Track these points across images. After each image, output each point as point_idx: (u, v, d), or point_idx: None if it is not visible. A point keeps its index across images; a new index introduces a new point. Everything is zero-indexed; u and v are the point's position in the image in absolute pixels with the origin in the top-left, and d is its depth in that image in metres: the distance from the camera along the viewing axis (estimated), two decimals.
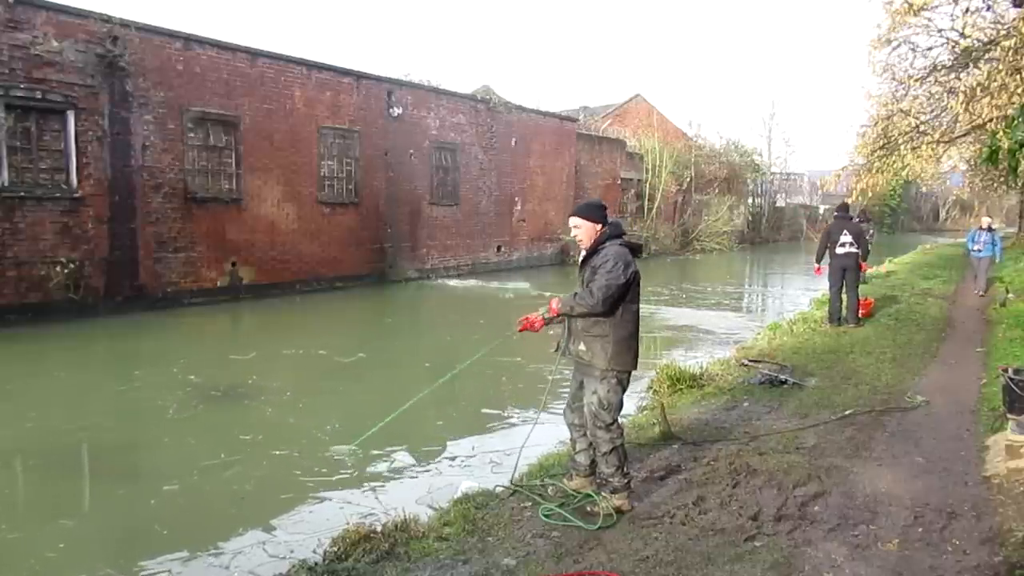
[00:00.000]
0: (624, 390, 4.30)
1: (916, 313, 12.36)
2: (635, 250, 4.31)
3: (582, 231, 4.28)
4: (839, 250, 10.89)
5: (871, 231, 17.23)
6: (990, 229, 14.66)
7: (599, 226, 4.26)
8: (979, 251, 14.67)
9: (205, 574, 4.19)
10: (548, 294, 4.64)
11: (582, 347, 4.26)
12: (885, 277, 18.37)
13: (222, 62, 14.17)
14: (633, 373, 4.39)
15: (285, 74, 15.41)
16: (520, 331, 4.53)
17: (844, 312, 10.97)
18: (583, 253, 4.35)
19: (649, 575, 3.57)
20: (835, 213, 11.83)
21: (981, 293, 14.59)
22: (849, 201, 13.58)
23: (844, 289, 10.96)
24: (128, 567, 4.32)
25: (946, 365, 8.57)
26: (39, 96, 11.47)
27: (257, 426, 6.92)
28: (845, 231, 10.95)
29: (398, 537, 3.96)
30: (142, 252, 13.00)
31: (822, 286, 12.20)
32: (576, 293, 4.20)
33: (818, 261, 11.53)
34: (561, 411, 4.70)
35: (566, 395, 4.73)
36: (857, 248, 10.95)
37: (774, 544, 3.86)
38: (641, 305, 4.36)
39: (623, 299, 4.14)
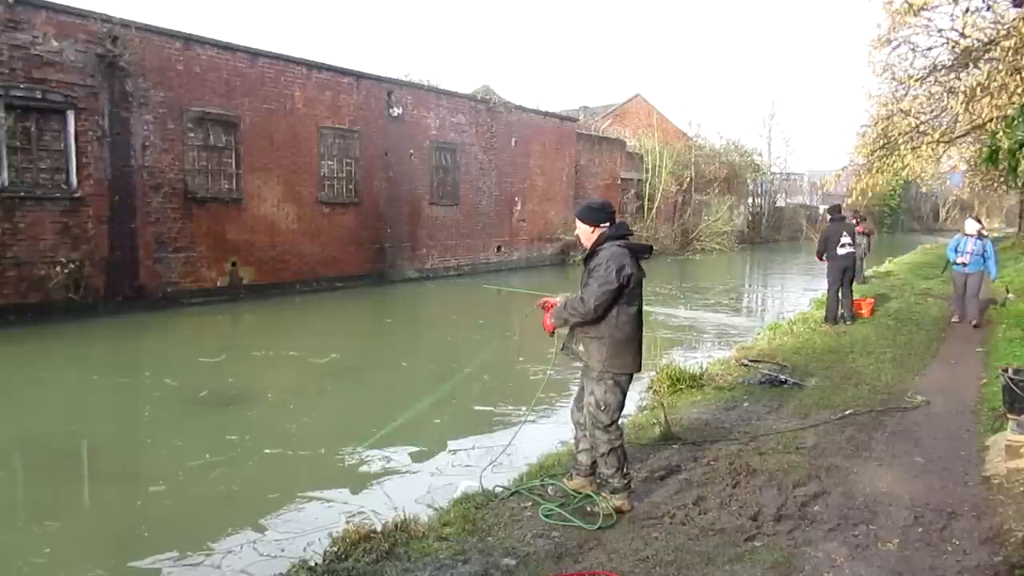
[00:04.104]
0: (623, 392, 4.27)
1: (916, 313, 12.36)
2: (638, 252, 4.26)
3: (581, 233, 4.31)
4: (840, 251, 11.08)
5: (868, 231, 17.17)
6: (980, 236, 11.06)
7: (597, 227, 4.24)
8: (964, 265, 11.02)
9: (196, 574, 4.17)
10: (546, 293, 4.63)
11: (581, 348, 4.27)
12: (885, 277, 18.37)
13: (222, 62, 14.16)
14: (634, 374, 4.38)
15: (285, 74, 15.40)
16: (539, 305, 4.50)
17: (841, 311, 11.14)
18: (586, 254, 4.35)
19: (649, 575, 3.57)
20: (829, 217, 11.93)
21: (973, 322, 10.97)
22: (846, 202, 13.63)
23: (840, 288, 11.14)
24: (118, 568, 4.31)
25: (946, 365, 8.57)
26: (39, 96, 11.46)
27: (254, 427, 6.92)
28: (844, 232, 11.17)
29: (398, 537, 3.95)
30: (142, 252, 12.99)
31: (821, 286, 12.21)
32: (567, 303, 4.21)
33: (820, 258, 11.59)
34: (554, 411, 4.69)
35: (553, 396, 4.72)
36: (854, 248, 11.20)
37: (774, 544, 3.86)
38: (645, 307, 4.32)
39: (617, 302, 4.12)
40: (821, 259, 11.58)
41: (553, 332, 4.36)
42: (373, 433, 5.96)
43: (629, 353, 4.21)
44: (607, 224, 4.25)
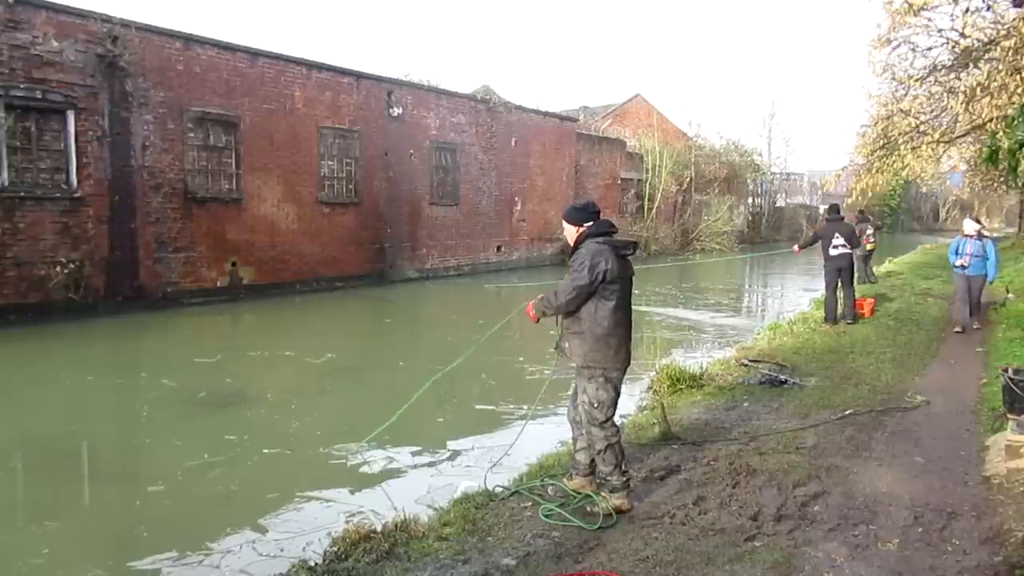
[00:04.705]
0: (615, 389, 4.28)
1: (916, 313, 12.36)
2: (620, 248, 4.28)
3: (567, 233, 4.46)
4: (832, 252, 11.09)
5: (870, 232, 17.12)
6: (980, 236, 10.60)
7: (581, 226, 4.35)
8: (964, 267, 10.49)
9: (196, 574, 4.17)
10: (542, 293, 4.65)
11: (566, 344, 4.35)
12: (885, 277, 18.36)
13: (222, 62, 14.16)
14: (631, 372, 4.38)
15: (285, 74, 15.41)
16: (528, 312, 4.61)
17: (841, 310, 11.16)
18: None
19: (649, 575, 3.57)
20: (826, 216, 11.91)
21: (976, 326, 10.62)
22: (846, 202, 13.61)
23: (840, 288, 11.19)
24: (118, 568, 4.30)
25: (946, 365, 8.57)
26: (39, 96, 11.46)
27: (253, 427, 6.91)
28: (837, 233, 11.14)
29: (398, 537, 3.95)
30: (142, 252, 12.99)
31: (821, 286, 12.23)
32: (544, 296, 4.34)
33: (799, 247, 12.45)
34: (554, 411, 4.70)
35: (553, 396, 4.73)
36: (850, 248, 11.19)
37: (774, 544, 3.86)
38: (645, 308, 4.35)
39: (594, 297, 4.17)
40: (800, 248, 12.37)
41: (537, 320, 4.54)
42: (371, 432, 5.96)
43: (610, 347, 4.21)
44: (591, 223, 4.34)
